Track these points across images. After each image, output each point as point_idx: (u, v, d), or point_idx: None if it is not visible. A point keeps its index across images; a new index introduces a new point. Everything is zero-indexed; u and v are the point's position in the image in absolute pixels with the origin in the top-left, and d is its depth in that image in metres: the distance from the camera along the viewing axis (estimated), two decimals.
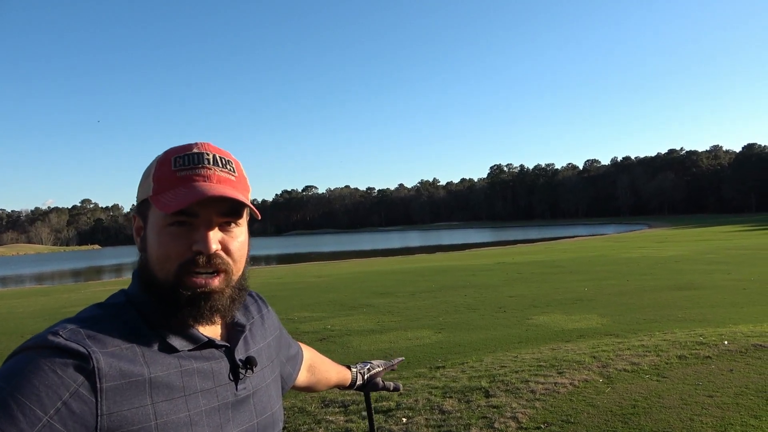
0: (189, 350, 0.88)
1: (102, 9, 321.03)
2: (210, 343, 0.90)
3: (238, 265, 0.92)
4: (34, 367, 0.74)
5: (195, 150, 0.90)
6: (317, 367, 1.41)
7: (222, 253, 0.88)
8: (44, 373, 0.74)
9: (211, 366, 0.89)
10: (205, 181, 0.88)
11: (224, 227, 0.89)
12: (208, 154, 0.90)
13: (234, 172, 0.92)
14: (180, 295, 0.86)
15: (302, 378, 1.33)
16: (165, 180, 0.88)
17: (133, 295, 0.90)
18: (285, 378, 1.19)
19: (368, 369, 1.60)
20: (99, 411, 0.76)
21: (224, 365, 0.91)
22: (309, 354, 1.39)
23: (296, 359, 1.27)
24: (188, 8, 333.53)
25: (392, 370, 1.69)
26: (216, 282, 0.88)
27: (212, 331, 0.93)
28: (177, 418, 0.82)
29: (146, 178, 0.91)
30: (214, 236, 0.87)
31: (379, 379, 1.62)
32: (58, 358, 0.75)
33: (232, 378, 0.92)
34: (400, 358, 1.76)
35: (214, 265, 0.87)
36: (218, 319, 0.91)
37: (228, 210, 0.88)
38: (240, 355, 0.94)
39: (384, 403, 4.71)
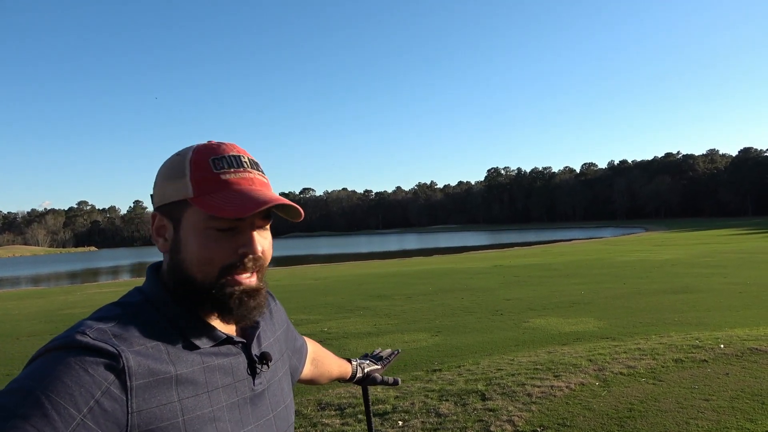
0: (209, 347, 0.89)
1: (98, 11, 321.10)
2: (228, 340, 0.92)
3: (267, 263, 0.94)
4: (65, 366, 0.74)
5: (232, 152, 0.91)
6: (320, 360, 1.44)
7: (260, 255, 0.90)
8: (76, 372, 0.74)
9: (231, 362, 0.91)
10: (251, 185, 0.89)
11: (259, 229, 0.91)
12: (244, 157, 0.92)
13: (264, 173, 0.95)
14: (228, 294, 0.87)
15: (306, 371, 1.34)
16: (208, 182, 0.87)
17: (150, 294, 0.90)
18: (292, 371, 1.20)
19: (368, 364, 1.64)
20: (129, 409, 0.76)
21: (242, 361, 0.93)
22: (313, 347, 1.41)
23: (302, 352, 1.29)
24: (186, 12, 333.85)
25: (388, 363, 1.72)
26: (255, 280, 0.90)
27: (228, 328, 0.95)
28: (202, 413, 0.84)
29: (178, 178, 0.89)
30: (259, 239, 0.90)
31: (377, 374, 1.65)
32: (89, 357, 0.76)
33: (249, 373, 0.94)
34: (396, 351, 1.77)
35: (257, 265, 0.90)
36: (258, 315, 0.94)
37: (267, 214, 0.91)
38: (255, 350, 0.96)
39: (380, 405, 4.70)
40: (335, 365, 1.51)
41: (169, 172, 0.90)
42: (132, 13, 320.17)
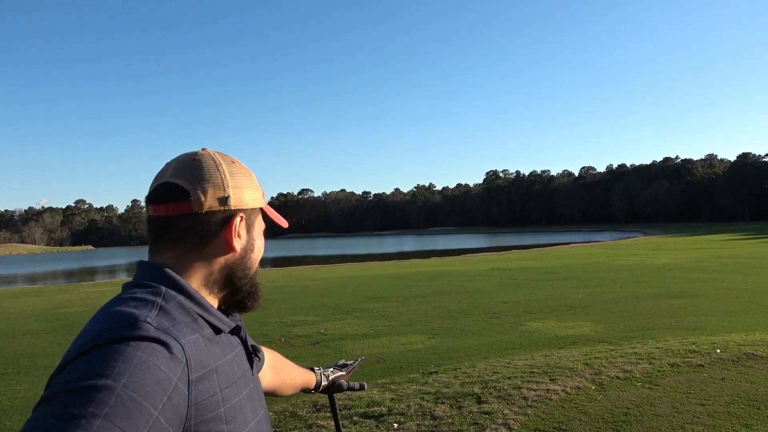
0: (226, 334, 0.93)
1: (97, 9, 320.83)
2: (236, 329, 0.95)
3: None
4: (139, 362, 0.71)
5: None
6: (280, 367, 1.41)
7: None
8: (150, 368, 0.71)
9: (240, 353, 0.95)
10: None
11: None
12: None
13: None
14: (256, 287, 1.01)
15: (267, 379, 1.33)
16: (264, 196, 1.04)
17: (171, 285, 0.87)
18: None
19: (332, 371, 1.61)
20: (189, 402, 0.77)
21: (243, 352, 0.97)
22: (270, 354, 1.39)
23: (257, 353, 1.29)
24: (185, 12, 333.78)
25: (353, 371, 1.69)
26: None
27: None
28: (235, 403, 0.86)
29: (256, 188, 1.01)
30: None
31: (342, 381, 1.61)
32: (159, 351, 0.74)
33: (249, 364, 0.98)
34: (360, 359, 1.76)
35: None
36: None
37: None
38: (250, 342, 1.02)
39: (375, 408, 4.69)
40: (297, 374, 1.48)
41: (249, 180, 0.99)
42: (129, 13, 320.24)
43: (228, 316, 0.97)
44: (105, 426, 0.64)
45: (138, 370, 0.70)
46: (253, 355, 1.00)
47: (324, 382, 1.57)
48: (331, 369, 1.61)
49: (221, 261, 0.94)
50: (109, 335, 0.73)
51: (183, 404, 0.75)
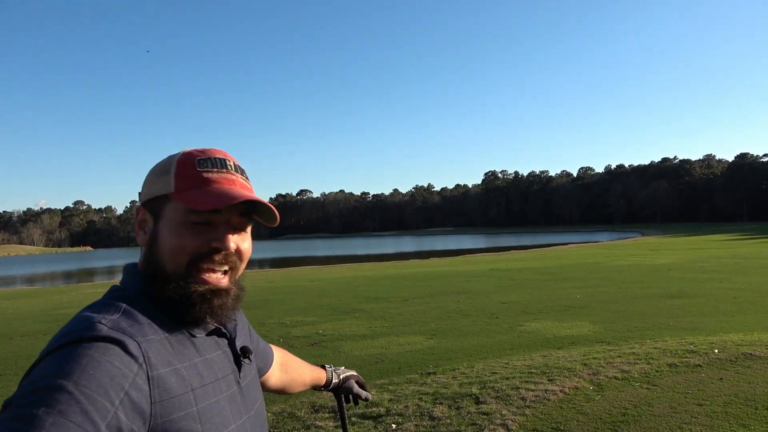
0: (203, 337, 0.92)
1: (95, 9, 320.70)
2: (216, 331, 0.95)
3: (243, 265, 0.97)
4: (91, 360, 0.74)
5: (217, 155, 0.96)
6: (290, 365, 1.40)
7: (233, 253, 0.93)
8: (103, 365, 0.74)
9: (222, 354, 0.94)
10: (231, 186, 0.93)
11: (237, 229, 0.94)
12: (229, 161, 0.96)
13: (249, 181, 0.99)
14: (192, 290, 0.88)
15: (276, 378, 1.33)
16: (190, 179, 0.91)
17: (140, 288, 0.91)
18: (258, 371, 1.21)
19: (343, 370, 1.60)
20: (152, 399, 0.78)
21: (228, 354, 0.97)
22: (280, 353, 1.39)
23: (266, 354, 1.29)
24: (183, 12, 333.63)
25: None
26: (226, 280, 0.93)
27: (212, 322, 0.97)
28: (210, 404, 0.86)
29: (162, 175, 0.93)
30: (232, 236, 0.93)
31: (353, 382, 1.60)
32: (112, 348, 0.76)
33: (236, 366, 0.97)
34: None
35: (228, 262, 0.92)
36: (224, 317, 0.96)
37: (245, 213, 0.94)
38: (239, 343, 1.00)
39: (374, 408, 4.69)
40: (308, 371, 1.47)
41: (157, 169, 0.95)
42: (127, 14, 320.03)
43: (217, 317, 0.93)
44: (60, 423, 0.66)
45: (90, 368, 0.72)
46: (242, 358, 0.98)
47: (335, 380, 1.55)
48: (343, 368, 1.60)
49: (141, 260, 0.95)
50: (66, 338, 0.77)
51: (145, 401, 0.76)
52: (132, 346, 0.78)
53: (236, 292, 0.95)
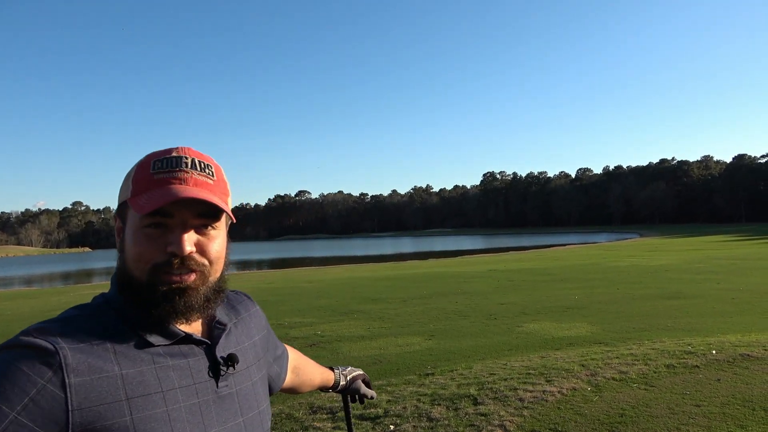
0: (166, 345, 0.89)
1: (94, 10, 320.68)
2: (188, 339, 0.91)
3: (215, 266, 0.92)
4: (1, 365, 0.75)
5: (174, 154, 0.92)
6: (302, 368, 1.42)
7: (196, 256, 0.89)
8: (10, 370, 0.75)
9: (189, 362, 0.90)
10: (181, 184, 0.89)
11: (201, 230, 0.90)
12: (186, 158, 0.92)
13: (213, 176, 0.93)
14: (156, 291, 0.86)
15: (287, 379, 1.34)
16: (142, 182, 0.90)
17: (111, 297, 0.92)
18: (274, 378, 1.20)
19: (350, 370, 1.61)
20: (69, 406, 0.76)
21: (203, 362, 0.92)
22: (294, 355, 1.40)
23: (282, 359, 1.29)
24: (183, 10, 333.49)
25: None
26: (191, 278, 0.88)
27: (192, 328, 0.94)
28: (154, 413, 0.83)
29: (127, 180, 0.93)
30: (189, 238, 0.88)
31: (360, 383, 1.62)
32: (26, 354, 0.77)
33: (212, 375, 0.92)
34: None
35: (187, 266, 0.88)
36: (195, 317, 0.92)
37: (204, 212, 0.89)
38: (221, 352, 0.94)
39: (372, 410, 4.69)
40: (317, 373, 1.48)
41: (126, 175, 0.95)
42: (131, 10, 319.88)
43: (182, 318, 0.90)
44: None
45: None
46: (221, 366, 0.93)
47: (342, 382, 1.56)
48: (350, 368, 1.61)
49: (117, 264, 0.95)
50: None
51: (59, 408, 0.76)
52: (48, 352, 0.77)
53: (206, 292, 0.91)
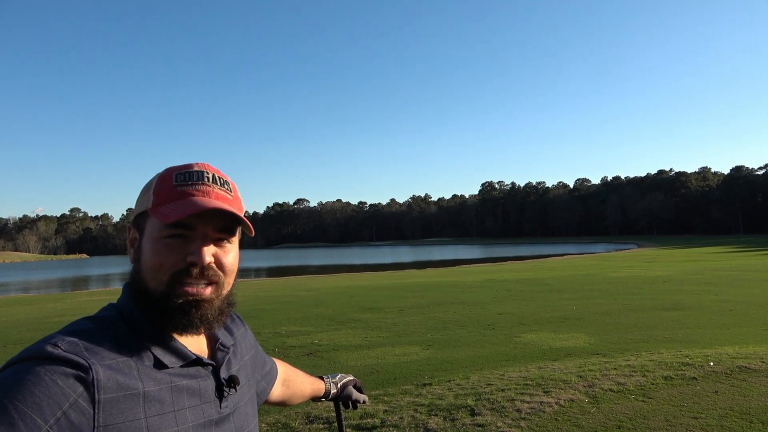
0: (179, 367, 0.91)
1: (91, 14, 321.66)
2: (197, 361, 0.93)
3: (228, 279, 0.96)
4: (34, 376, 0.75)
5: (195, 168, 0.96)
6: (291, 381, 1.43)
7: (214, 266, 0.92)
8: (45, 382, 0.75)
9: (199, 384, 0.93)
10: (204, 196, 0.93)
11: (218, 242, 0.94)
12: (207, 173, 0.96)
13: (231, 191, 0.98)
14: (171, 302, 0.89)
15: (277, 392, 1.35)
16: (165, 193, 0.93)
17: (123, 309, 0.93)
18: (259, 394, 1.22)
19: (341, 377, 1.61)
20: (96, 423, 0.77)
21: (210, 383, 0.95)
22: (283, 368, 1.41)
23: (270, 375, 1.30)
24: (179, 20, 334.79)
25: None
26: (207, 291, 0.92)
27: (198, 349, 0.97)
28: None
29: (146, 191, 0.96)
30: (209, 249, 0.91)
31: (351, 388, 1.62)
32: (58, 368, 0.77)
33: (217, 396, 0.95)
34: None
35: (206, 276, 0.91)
36: (206, 330, 0.95)
37: (223, 226, 0.93)
38: (224, 373, 0.98)
39: (369, 420, 4.67)
40: (308, 384, 1.49)
41: (144, 187, 0.98)
42: (129, 19, 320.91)
43: (197, 330, 0.93)
44: None
45: (29, 384, 0.74)
46: (225, 388, 0.96)
47: (333, 390, 1.57)
48: (339, 375, 1.61)
49: (130, 274, 0.96)
50: (19, 356, 0.79)
51: (86, 424, 0.76)
52: (82, 366, 0.78)
53: (220, 304, 0.94)
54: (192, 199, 0.91)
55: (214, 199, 0.93)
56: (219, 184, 0.96)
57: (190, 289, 0.90)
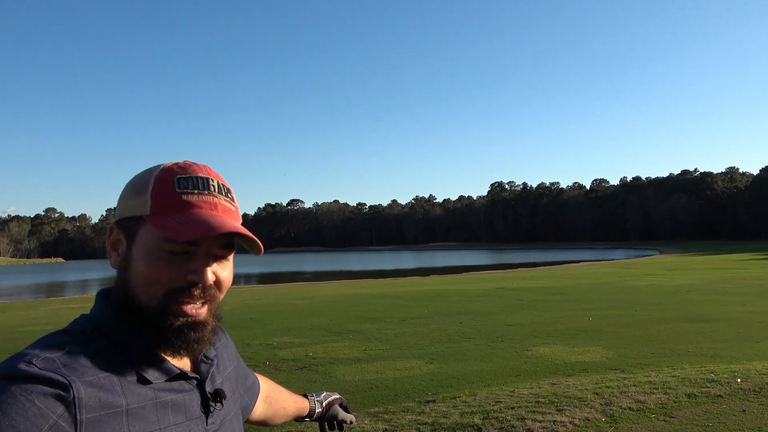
0: (163, 381, 0.90)
1: (69, 13, 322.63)
2: (181, 375, 0.93)
3: (221, 295, 0.95)
4: (9, 397, 0.74)
5: (199, 174, 0.93)
6: (274, 398, 1.42)
7: (213, 285, 0.91)
8: (21, 404, 0.74)
9: (184, 398, 0.92)
10: (213, 210, 0.91)
11: (217, 258, 0.92)
12: (213, 181, 0.94)
13: (233, 201, 0.96)
14: (167, 323, 0.88)
15: (259, 410, 1.34)
16: (168, 201, 0.89)
17: (100, 321, 0.91)
18: (243, 409, 1.21)
19: (326, 396, 1.60)
20: None
21: (195, 398, 0.94)
22: (266, 384, 1.41)
23: (253, 389, 1.30)
24: (171, 18, 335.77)
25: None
26: (204, 311, 0.91)
27: (181, 363, 0.96)
28: None
29: (140, 193, 0.91)
30: (211, 268, 0.91)
31: (336, 407, 1.61)
32: (36, 387, 0.76)
33: (203, 411, 0.95)
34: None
35: (206, 296, 0.90)
36: (198, 352, 0.95)
37: (227, 244, 0.92)
38: (209, 387, 0.98)
39: None
40: (291, 402, 1.49)
41: (134, 186, 0.94)
42: (116, 15, 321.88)
43: (192, 352, 0.93)
44: None
45: (4, 406, 0.73)
46: (211, 402, 0.96)
47: (318, 409, 1.56)
48: (324, 393, 1.60)
49: (115, 283, 0.94)
50: None
51: None
52: (61, 386, 0.77)
53: (213, 324, 0.93)
54: (201, 213, 0.89)
55: (222, 213, 0.91)
56: (224, 193, 0.94)
57: (187, 309, 0.89)
